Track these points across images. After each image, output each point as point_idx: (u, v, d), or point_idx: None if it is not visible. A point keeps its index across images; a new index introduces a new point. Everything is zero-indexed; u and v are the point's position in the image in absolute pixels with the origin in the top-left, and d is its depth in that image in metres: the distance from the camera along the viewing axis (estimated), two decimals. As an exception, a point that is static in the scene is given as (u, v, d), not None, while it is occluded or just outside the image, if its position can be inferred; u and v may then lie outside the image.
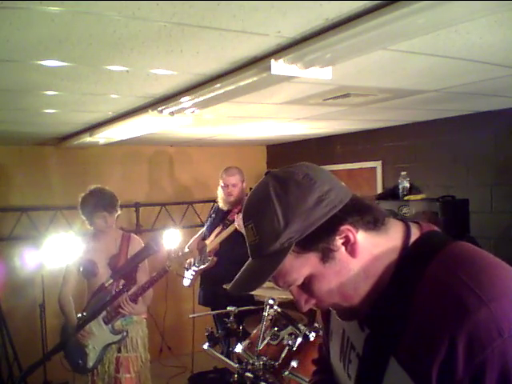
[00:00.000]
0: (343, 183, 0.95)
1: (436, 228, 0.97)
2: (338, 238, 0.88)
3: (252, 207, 0.94)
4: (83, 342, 2.93)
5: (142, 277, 2.92)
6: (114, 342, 2.96)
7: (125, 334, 2.96)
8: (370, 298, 0.92)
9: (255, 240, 0.91)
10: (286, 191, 0.89)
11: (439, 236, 0.95)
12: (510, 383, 0.75)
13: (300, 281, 0.92)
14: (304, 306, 0.96)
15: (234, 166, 3.94)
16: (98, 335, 2.92)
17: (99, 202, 2.97)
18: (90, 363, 2.95)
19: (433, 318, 0.82)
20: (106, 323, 2.93)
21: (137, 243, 3.10)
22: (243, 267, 0.96)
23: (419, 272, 0.86)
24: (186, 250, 3.00)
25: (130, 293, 2.82)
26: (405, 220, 0.98)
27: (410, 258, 0.90)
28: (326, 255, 0.88)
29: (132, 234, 3.20)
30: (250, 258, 0.96)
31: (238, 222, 3.54)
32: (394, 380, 0.87)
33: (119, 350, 3.03)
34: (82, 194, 3.07)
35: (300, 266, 0.90)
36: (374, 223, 0.91)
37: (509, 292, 0.80)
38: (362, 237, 0.89)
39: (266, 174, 0.96)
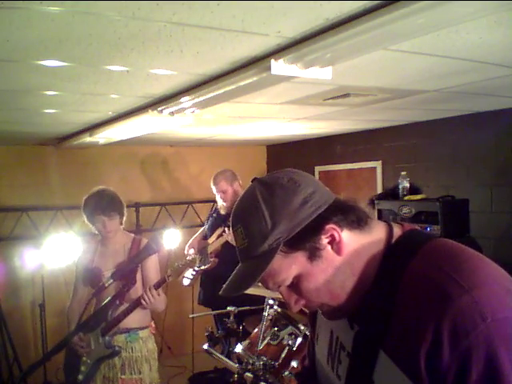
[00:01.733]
0: (327, 188, 0.99)
1: (417, 227, 1.03)
2: (323, 236, 0.92)
3: (240, 211, 0.98)
4: (80, 354, 2.72)
5: (153, 278, 2.81)
6: (105, 357, 2.68)
7: (116, 348, 2.67)
8: (356, 295, 0.95)
9: (244, 243, 0.94)
10: (272, 194, 0.93)
11: (420, 234, 1.01)
12: (496, 366, 0.77)
13: (289, 281, 0.95)
14: (294, 306, 0.99)
15: (220, 171, 4.00)
16: (94, 348, 2.69)
17: (97, 206, 2.73)
18: (80, 377, 2.72)
19: (417, 308, 0.85)
20: (103, 335, 2.67)
21: None
22: (234, 271, 0.99)
23: (403, 266, 0.90)
24: (176, 264, 2.83)
25: (122, 309, 2.68)
26: (386, 220, 1.04)
27: (393, 254, 0.94)
28: (313, 254, 0.92)
29: (143, 238, 2.94)
30: (240, 263, 0.98)
31: (231, 237, 3.55)
32: (384, 373, 0.89)
33: (123, 372, 2.74)
34: (85, 196, 2.82)
35: (288, 266, 0.93)
36: (358, 222, 0.95)
37: (489, 280, 0.84)
38: (346, 235, 0.93)
39: (252, 181, 1.00)
